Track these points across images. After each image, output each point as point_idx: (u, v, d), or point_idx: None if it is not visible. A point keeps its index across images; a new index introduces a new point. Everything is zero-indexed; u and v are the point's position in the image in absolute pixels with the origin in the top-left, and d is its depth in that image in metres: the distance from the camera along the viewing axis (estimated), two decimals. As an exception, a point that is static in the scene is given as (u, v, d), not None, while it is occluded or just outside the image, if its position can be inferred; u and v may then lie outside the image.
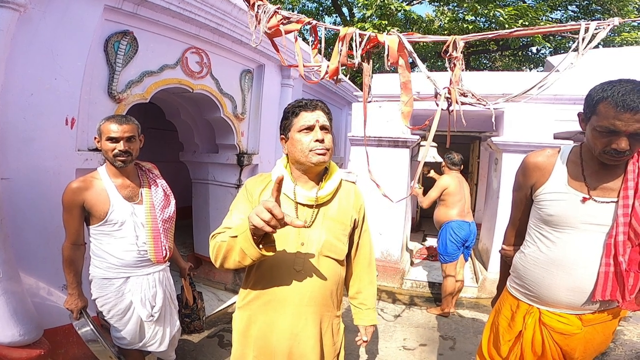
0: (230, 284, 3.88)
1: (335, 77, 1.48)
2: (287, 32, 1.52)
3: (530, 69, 11.35)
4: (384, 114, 4.15)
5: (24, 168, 1.94)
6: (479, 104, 1.32)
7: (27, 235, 1.98)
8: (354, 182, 1.45)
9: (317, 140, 1.20)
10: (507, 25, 7.30)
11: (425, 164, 4.23)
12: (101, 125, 1.70)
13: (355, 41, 1.40)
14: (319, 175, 1.31)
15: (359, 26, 7.46)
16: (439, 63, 10.49)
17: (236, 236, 1.06)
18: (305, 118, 1.22)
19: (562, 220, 1.21)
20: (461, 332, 3.25)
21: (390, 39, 1.34)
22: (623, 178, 1.15)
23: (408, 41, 1.34)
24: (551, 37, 8.54)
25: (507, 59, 12.17)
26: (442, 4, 9.24)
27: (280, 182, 0.99)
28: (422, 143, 5.07)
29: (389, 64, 1.35)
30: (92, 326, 1.71)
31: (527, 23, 7.25)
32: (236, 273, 3.81)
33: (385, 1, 7.74)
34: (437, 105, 1.34)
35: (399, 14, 8.53)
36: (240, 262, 1.08)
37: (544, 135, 3.69)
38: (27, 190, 1.95)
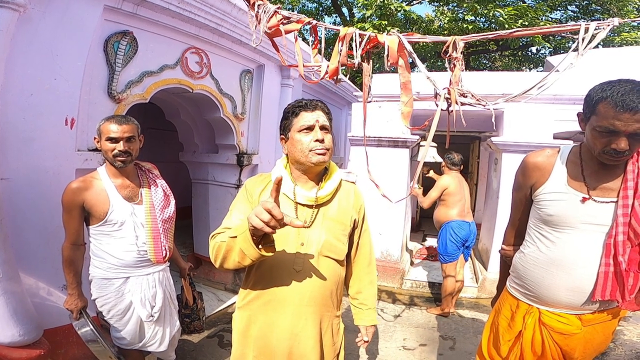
0: (230, 284, 3.88)
1: (335, 77, 1.49)
2: (287, 32, 1.52)
3: (530, 69, 11.36)
4: (384, 114, 4.16)
5: (23, 168, 1.93)
6: (479, 104, 1.32)
7: (27, 235, 1.98)
8: (353, 182, 1.45)
9: (317, 140, 1.20)
10: (506, 25, 7.30)
11: (425, 164, 4.23)
12: (101, 125, 1.70)
13: (355, 41, 1.40)
14: (319, 175, 1.31)
15: (358, 26, 7.46)
16: (438, 63, 10.50)
17: (235, 237, 1.06)
18: (305, 118, 1.22)
19: (562, 220, 1.21)
20: (461, 332, 3.25)
21: (390, 39, 1.34)
22: (623, 178, 1.15)
23: (408, 41, 1.34)
24: (551, 37, 8.54)
25: (507, 59, 12.18)
26: (441, 4, 9.25)
27: (279, 183, 0.99)
28: (421, 143, 5.07)
29: (388, 64, 1.35)
30: (92, 326, 1.71)
31: (526, 23, 7.25)
32: (236, 273, 3.81)
33: (385, 1, 7.74)
34: (437, 105, 1.34)
35: (399, 14, 8.53)
36: (240, 262, 1.09)
37: (543, 135, 3.70)
38: (27, 190, 1.95)
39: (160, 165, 2.07)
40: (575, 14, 9.10)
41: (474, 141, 6.71)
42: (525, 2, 8.57)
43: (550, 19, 8.54)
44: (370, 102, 1.50)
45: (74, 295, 1.71)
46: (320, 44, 1.54)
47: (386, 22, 7.97)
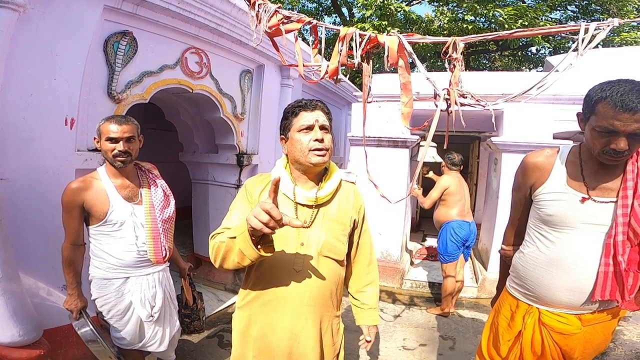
0: (230, 284, 3.88)
1: (335, 77, 1.48)
2: (288, 32, 1.52)
3: (530, 69, 11.36)
4: (384, 114, 4.16)
5: (23, 168, 1.93)
6: (478, 104, 1.32)
7: (27, 235, 1.98)
8: (353, 183, 1.45)
9: (316, 140, 1.20)
10: (506, 26, 7.31)
11: (425, 164, 4.23)
12: (101, 125, 1.70)
13: (355, 41, 1.40)
14: (319, 175, 1.31)
15: (359, 26, 7.47)
16: (438, 63, 10.50)
17: (235, 237, 1.06)
18: (305, 118, 1.22)
19: (562, 220, 1.21)
20: (461, 332, 3.25)
21: (390, 40, 1.34)
22: (622, 178, 1.15)
23: (408, 42, 1.34)
24: (551, 37, 8.54)
25: (507, 59, 12.18)
26: (441, 4, 9.25)
27: (277, 184, 0.99)
28: (421, 143, 5.07)
29: (388, 64, 1.35)
30: (91, 326, 1.71)
31: (526, 23, 7.25)
32: (236, 273, 3.81)
33: (385, 1, 7.74)
34: (436, 106, 1.34)
35: (399, 14, 8.53)
36: (240, 262, 1.09)
37: (543, 135, 3.70)
38: (27, 191, 1.95)
39: (160, 165, 2.07)
40: (575, 14, 9.10)
41: (473, 141, 6.71)
42: (525, 2, 8.58)
43: (550, 19, 8.54)
44: (370, 102, 1.50)
45: (73, 295, 1.71)
46: (321, 44, 1.54)
47: (386, 23, 7.97)
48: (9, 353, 1.73)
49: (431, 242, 5.91)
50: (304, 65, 1.57)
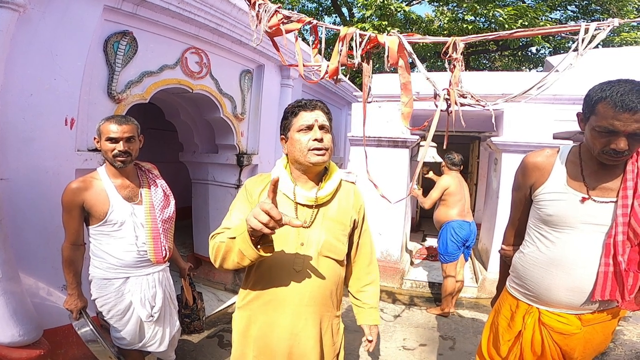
0: (230, 284, 3.88)
1: (335, 77, 1.48)
2: (288, 32, 1.52)
3: (530, 69, 11.36)
4: (384, 114, 4.16)
5: (23, 168, 1.93)
6: (478, 105, 1.33)
7: (27, 235, 1.98)
8: (353, 183, 1.45)
9: (315, 140, 1.20)
10: (506, 26, 7.30)
11: (425, 164, 4.23)
12: (101, 125, 1.70)
13: (356, 41, 1.40)
14: (319, 175, 1.31)
15: (359, 26, 7.47)
16: (438, 63, 10.50)
17: (234, 238, 1.06)
18: (304, 118, 1.22)
19: (561, 220, 1.21)
20: (461, 332, 3.25)
21: (391, 40, 1.34)
22: (622, 178, 1.15)
23: (408, 42, 1.34)
24: (551, 37, 8.54)
25: (507, 59, 12.18)
26: (441, 4, 9.25)
27: (275, 184, 0.99)
28: (421, 143, 5.07)
29: (389, 64, 1.35)
30: (91, 326, 1.71)
31: (526, 23, 7.25)
32: (236, 273, 3.81)
33: (385, 1, 7.74)
34: (436, 106, 1.34)
35: (399, 14, 8.53)
36: (239, 262, 1.09)
37: (543, 135, 3.70)
38: (27, 190, 1.95)
39: (160, 165, 2.07)
40: (575, 14, 9.10)
41: (473, 141, 6.71)
42: (525, 2, 8.58)
43: (550, 19, 8.54)
44: (370, 102, 1.50)
45: (73, 295, 1.71)
46: (321, 44, 1.54)
47: (386, 23, 7.97)
48: (9, 353, 1.73)
49: (431, 242, 5.91)
50: (304, 65, 1.57)
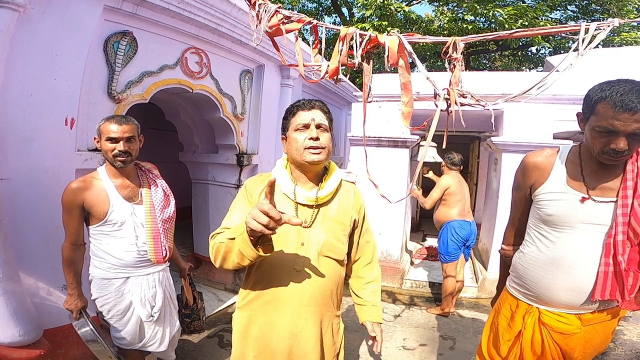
0: (230, 284, 3.89)
1: (335, 77, 1.48)
2: (288, 32, 1.52)
3: (530, 69, 11.36)
4: (384, 114, 4.16)
5: (23, 168, 1.94)
6: (478, 104, 1.32)
7: (27, 235, 1.98)
8: (353, 182, 1.45)
9: (311, 138, 1.20)
10: (506, 25, 7.30)
11: (425, 164, 4.23)
12: (101, 125, 1.70)
13: (356, 41, 1.40)
14: (319, 175, 1.31)
15: (359, 26, 7.47)
16: (438, 63, 10.50)
17: (234, 238, 1.06)
18: (302, 117, 1.23)
19: (561, 220, 1.21)
20: (461, 332, 3.25)
21: (391, 40, 1.34)
22: (622, 178, 1.15)
23: (408, 42, 1.34)
24: (551, 37, 8.54)
25: (507, 59, 12.18)
26: (441, 4, 9.25)
27: (272, 185, 0.99)
28: (421, 143, 5.07)
29: (389, 64, 1.35)
30: (91, 326, 1.71)
31: (526, 23, 7.25)
32: (236, 273, 3.81)
33: (385, 1, 7.74)
34: (436, 106, 1.34)
35: (399, 14, 8.53)
36: (239, 263, 1.09)
37: (543, 135, 3.70)
38: (27, 190, 1.95)
39: (160, 165, 2.07)
40: (575, 14, 9.10)
41: (473, 141, 6.71)
42: (525, 2, 8.58)
43: (550, 19, 8.53)
44: (370, 102, 1.50)
45: (73, 295, 1.71)
46: (321, 43, 1.54)
47: (386, 23, 7.96)
48: (9, 353, 1.73)
49: (431, 242, 5.91)
50: (304, 65, 1.57)
